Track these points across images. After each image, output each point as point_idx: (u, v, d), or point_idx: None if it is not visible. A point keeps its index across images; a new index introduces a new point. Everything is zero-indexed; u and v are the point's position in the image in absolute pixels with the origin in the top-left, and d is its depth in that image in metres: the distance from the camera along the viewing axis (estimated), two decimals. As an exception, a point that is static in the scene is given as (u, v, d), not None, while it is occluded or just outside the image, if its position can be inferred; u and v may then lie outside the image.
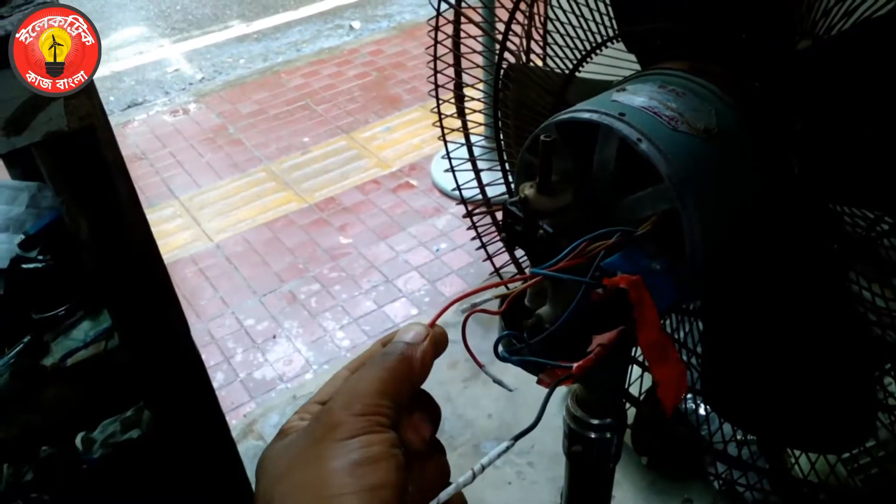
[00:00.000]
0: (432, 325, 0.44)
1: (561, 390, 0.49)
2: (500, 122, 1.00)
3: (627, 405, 1.12)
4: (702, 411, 1.16)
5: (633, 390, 1.16)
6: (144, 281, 0.98)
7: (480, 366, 0.45)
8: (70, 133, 0.81)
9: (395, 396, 0.40)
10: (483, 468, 0.41)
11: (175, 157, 2.97)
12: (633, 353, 0.97)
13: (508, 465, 1.61)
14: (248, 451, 1.71)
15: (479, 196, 1.18)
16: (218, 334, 2.13)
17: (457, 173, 1.19)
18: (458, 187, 1.20)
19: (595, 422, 0.67)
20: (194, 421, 1.17)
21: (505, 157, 1.04)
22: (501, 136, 1.01)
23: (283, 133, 3.05)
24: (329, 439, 0.38)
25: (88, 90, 0.81)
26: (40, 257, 1.08)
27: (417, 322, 0.45)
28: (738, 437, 0.98)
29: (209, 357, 2.04)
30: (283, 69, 3.52)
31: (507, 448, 0.42)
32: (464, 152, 1.18)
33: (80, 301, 1.11)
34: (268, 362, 2.03)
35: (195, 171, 2.87)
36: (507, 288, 0.50)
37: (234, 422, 1.81)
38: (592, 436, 0.67)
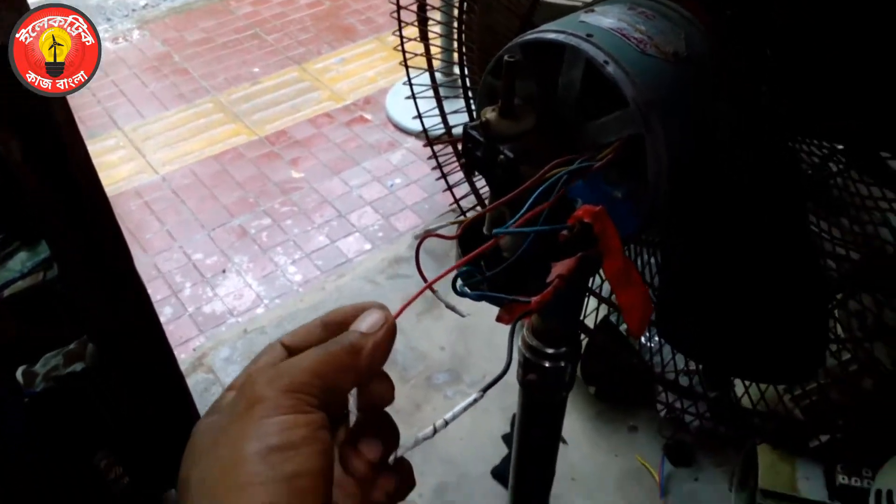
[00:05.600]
0: (397, 316, 0.40)
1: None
2: (464, 48, 0.96)
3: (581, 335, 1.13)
4: (654, 343, 1.18)
5: (588, 322, 1.17)
6: (83, 208, 0.93)
7: (433, 291, 0.43)
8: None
9: (329, 379, 0.36)
10: (446, 423, 0.39)
11: (118, 86, 2.84)
12: (589, 284, 0.98)
13: (460, 396, 1.63)
14: (198, 384, 1.69)
15: (440, 125, 1.15)
16: (165, 268, 2.08)
17: (418, 101, 1.15)
18: (420, 115, 1.16)
19: (550, 351, 0.66)
20: (140, 354, 1.14)
21: (468, 84, 1.01)
22: (465, 62, 0.98)
23: (232, 63, 2.93)
24: (248, 417, 0.34)
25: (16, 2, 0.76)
26: (-30, 183, 1.02)
27: (378, 306, 0.40)
28: (690, 369, 1.00)
29: (156, 291, 1.99)
30: (230, -5, 3.37)
31: (475, 400, 0.41)
32: (425, 79, 1.14)
33: (16, 230, 1.06)
34: (217, 297, 2.00)
35: (139, 101, 2.75)
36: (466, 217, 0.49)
37: (184, 356, 1.78)
38: (547, 365, 0.67)
